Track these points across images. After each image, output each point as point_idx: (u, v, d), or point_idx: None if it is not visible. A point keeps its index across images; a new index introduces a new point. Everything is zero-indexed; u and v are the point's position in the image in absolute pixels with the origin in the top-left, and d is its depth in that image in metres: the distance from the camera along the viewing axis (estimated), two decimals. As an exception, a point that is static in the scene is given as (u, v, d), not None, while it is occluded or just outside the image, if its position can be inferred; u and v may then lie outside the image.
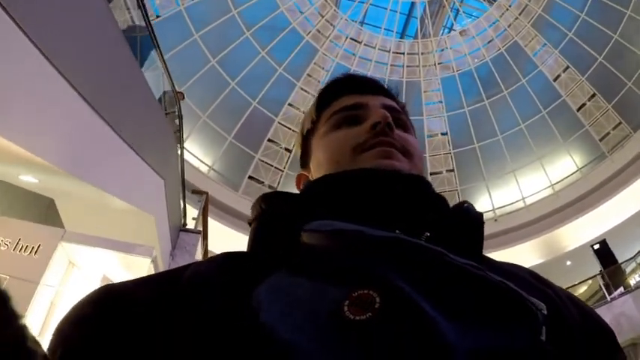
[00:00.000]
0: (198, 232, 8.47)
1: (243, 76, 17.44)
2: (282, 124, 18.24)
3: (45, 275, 4.12)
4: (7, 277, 3.71)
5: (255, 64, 17.66)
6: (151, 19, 14.43)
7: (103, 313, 0.47)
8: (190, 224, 8.83)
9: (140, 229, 5.48)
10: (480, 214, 0.61)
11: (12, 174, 4.64)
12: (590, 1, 17.06)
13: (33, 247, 4.28)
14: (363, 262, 0.44)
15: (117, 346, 0.44)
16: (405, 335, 0.37)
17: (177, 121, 8.28)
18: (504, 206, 18.08)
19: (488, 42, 19.44)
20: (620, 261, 15.14)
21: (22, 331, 0.31)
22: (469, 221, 0.59)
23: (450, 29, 20.54)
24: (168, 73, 7.29)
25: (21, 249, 4.26)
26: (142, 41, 6.46)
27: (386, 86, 0.82)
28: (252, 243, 0.61)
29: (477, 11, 20.01)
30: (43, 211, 6.80)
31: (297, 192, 0.73)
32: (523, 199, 18.03)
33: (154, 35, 6.31)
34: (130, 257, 4.84)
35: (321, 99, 0.80)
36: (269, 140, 18.00)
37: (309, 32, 18.68)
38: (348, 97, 0.76)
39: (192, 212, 9.18)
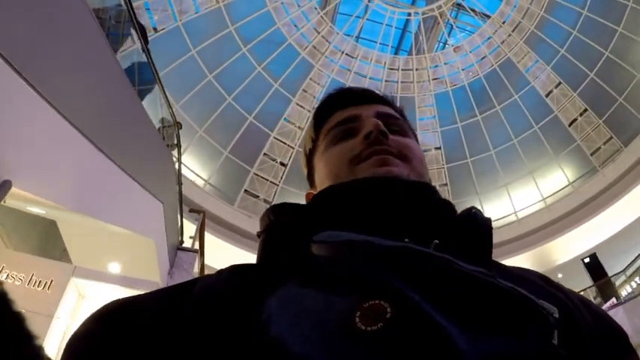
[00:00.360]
0: (196, 252, 8.59)
1: (239, 91, 17.61)
2: (278, 139, 18.40)
3: (58, 309, 4.27)
4: (23, 311, 3.81)
5: (251, 80, 17.85)
6: (148, 33, 14.61)
7: (109, 326, 0.48)
8: (187, 242, 8.94)
9: (139, 251, 5.62)
10: (489, 220, 0.60)
11: (20, 206, 4.80)
12: (582, 19, 17.37)
13: (46, 283, 4.50)
14: (373, 273, 0.44)
15: (124, 358, 0.44)
16: (417, 345, 0.37)
17: (176, 142, 8.42)
18: (497, 220, 18.20)
19: (482, 58, 19.76)
20: (610, 273, 15.41)
21: (38, 350, 0.33)
22: (477, 227, 0.58)
23: (444, 45, 20.83)
24: (169, 104, 7.49)
25: (34, 284, 4.48)
26: (140, 67, 6.64)
27: (380, 94, 0.82)
28: (261, 254, 0.61)
29: (471, 27, 20.30)
30: (44, 230, 6.94)
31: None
32: (515, 212, 18.26)
33: (157, 72, 6.53)
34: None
35: (317, 117, 0.81)
36: (265, 155, 18.15)
37: (306, 48, 18.92)
38: (342, 112, 0.77)
39: (188, 227, 9.29)
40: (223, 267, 0.56)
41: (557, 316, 0.40)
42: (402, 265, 0.44)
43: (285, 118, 18.43)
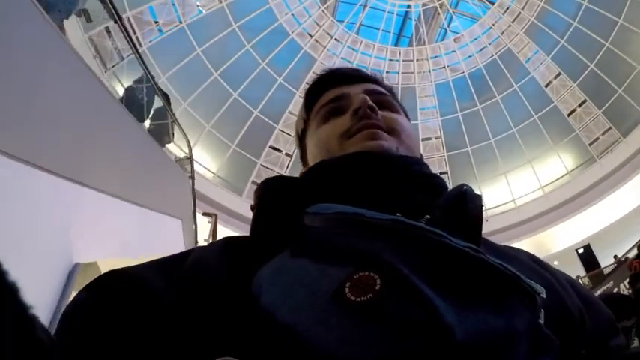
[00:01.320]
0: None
1: (244, 87, 18.11)
2: (283, 132, 18.90)
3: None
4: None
5: (255, 75, 18.33)
6: (154, 38, 15.05)
7: (99, 294, 0.48)
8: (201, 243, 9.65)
9: (162, 261, 6.44)
10: (479, 197, 0.58)
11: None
12: (582, 10, 17.38)
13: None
14: (364, 245, 0.44)
15: (113, 327, 0.44)
16: (404, 317, 0.37)
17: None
18: (495, 207, 18.71)
19: (482, 49, 19.90)
20: (604, 262, 15.76)
21: (32, 321, 0.32)
22: (467, 204, 0.56)
23: (445, 32, 20.97)
24: (188, 142, 8.26)
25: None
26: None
27: (369, 72, 0.83)
28: (254, 227, 0.60)
29: (471, 17, 20.37)
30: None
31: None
32: (514, 200, 18.73)
33: (177, 120, 7.34)
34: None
35: (308, 97, 0.81)
36: (270, 147, 18.71)
37: (307, 42, 19.26)
38: (332, 91, 0.78)
39: (201, 221, 9.97)
40: None
41: (544, 295, 0.41)
42: (392, 238, 0.44)
43: (289, 111, 18.86)
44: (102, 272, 0.49)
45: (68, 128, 3.77)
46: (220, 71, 17.58)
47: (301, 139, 0.83)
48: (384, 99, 0.76)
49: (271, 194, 0.61)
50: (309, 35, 19.29)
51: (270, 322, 0.39)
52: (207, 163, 17.42)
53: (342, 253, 0.44)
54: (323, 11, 19.14)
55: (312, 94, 0.81)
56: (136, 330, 0.43)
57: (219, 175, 17.62)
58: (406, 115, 0.80)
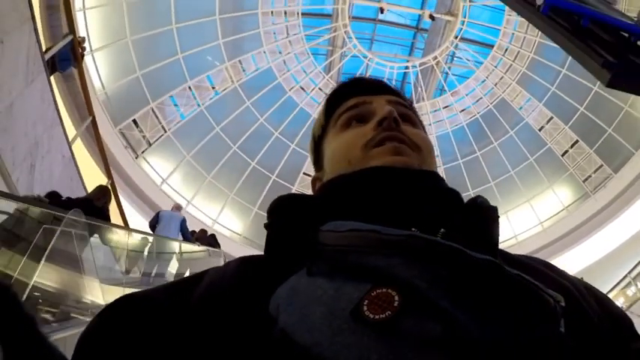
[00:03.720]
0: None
1: (261, 155, 19.84)
2: (299, 192, 20.40)
3: None
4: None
5: (270, 144, 19.98)
6: (176, 124, 16.93)
7: (117, 318, 0.50)
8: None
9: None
10: (495, 209, 0.59)
11: None
12: (570, 58, 18.14)
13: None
14: (381, 261, 0.44)
15: (129, 349, 0.46)
16: (426, 334, 0.36)
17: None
18: (499, 243, 19.89)
19: (477, 100, 21.12)
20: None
21: (50, 351, 0.33)
22: (483, 216, 0.57)
23: (442, 91, 22.28)
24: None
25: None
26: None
27: (391, 85, 0.83)
28: (268, 246, 0.60)
29: (467, 69, 21.58)
30: None
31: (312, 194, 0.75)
32: (515, 236, 19.87)
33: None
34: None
35: (328, 104, 0.81)
36: (289, 206, 20.41)
37: (316, 109, 20.64)
38: (354, 99, 0.77)
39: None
40: None
41: (563, 304, 0.40)
42: (408, 253, 0.44)
43: (303, 172, 20.48)
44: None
45: None
46: (238, 144, 19.32)
47: (318, 144, 0.82)
48: (406, 112, 0.77)
49: (285, 213, 0.61)
50: (317, 103, 20.76)
51: (288, 343, 0.39)
52: (233, 226, 19.30)
53: (358, 270, 0.44)
54: (328, 80, 20.71)
55: (334, 100, 0.81)
56: (148, 348, 0.46)
57: (245, 235, 19.39)
58: (423, 130, 0.80)
